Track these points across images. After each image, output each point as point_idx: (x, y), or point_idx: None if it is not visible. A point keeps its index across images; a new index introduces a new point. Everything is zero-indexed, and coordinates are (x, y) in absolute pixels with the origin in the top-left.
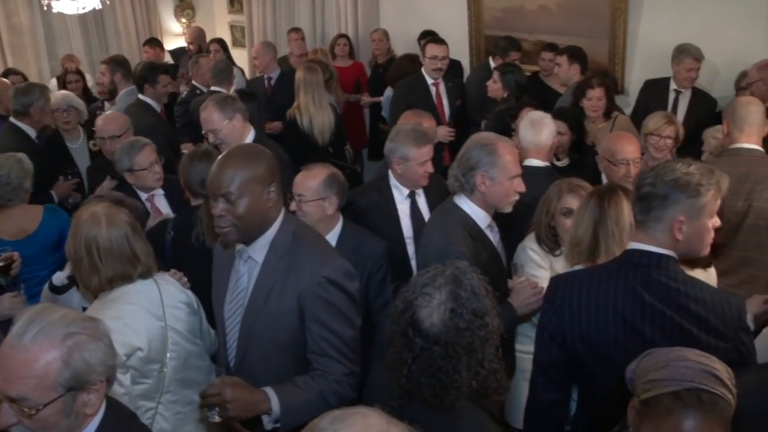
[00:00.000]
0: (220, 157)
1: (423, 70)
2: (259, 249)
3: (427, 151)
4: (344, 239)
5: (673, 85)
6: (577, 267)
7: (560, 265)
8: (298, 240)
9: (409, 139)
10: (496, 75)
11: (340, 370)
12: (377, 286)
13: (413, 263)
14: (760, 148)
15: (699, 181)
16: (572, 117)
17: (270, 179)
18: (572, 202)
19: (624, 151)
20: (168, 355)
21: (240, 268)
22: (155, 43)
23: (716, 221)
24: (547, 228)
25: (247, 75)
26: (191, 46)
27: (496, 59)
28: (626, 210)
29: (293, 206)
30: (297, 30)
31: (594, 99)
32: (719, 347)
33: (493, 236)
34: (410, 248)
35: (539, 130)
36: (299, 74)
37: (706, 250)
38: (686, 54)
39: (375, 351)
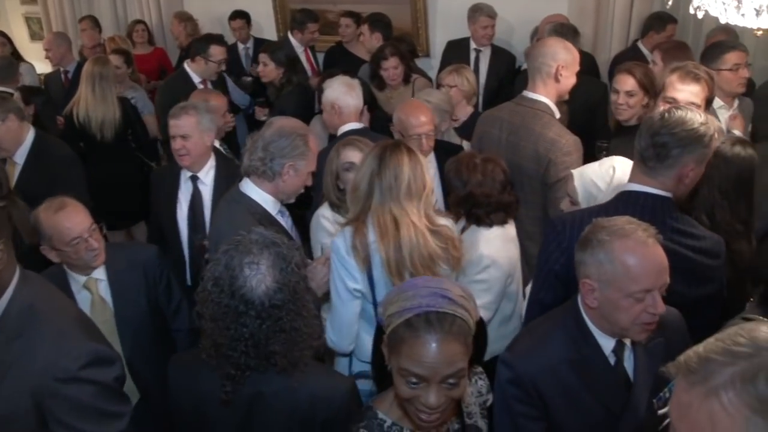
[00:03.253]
0: None
1: (188, 66)
2: None
3: None
4: (111, 261)
5: (473, 45)
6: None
7: (349, 239)
8: (36, 316)
9: None
10: (265, 57)
11: None
12: (165, 293)
13: (185, 250)
14: (543, 99)
15: (711, 131)
16: (362, 85)
17: None
18: (351, 155)
19: (416, 125)
20: None
21: None
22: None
23: None
24: (335, 189)
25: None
26: None
27: (295, 33)
28: (406, 167)
29: (83, 251)
30: (86, 19)
31: (390, 69)
32: (713, 264)
33: (285, 221)
34: (183, 233)
35: (357, 92)
36: (85, 66)
37: None
38: (480, 12)
39: None
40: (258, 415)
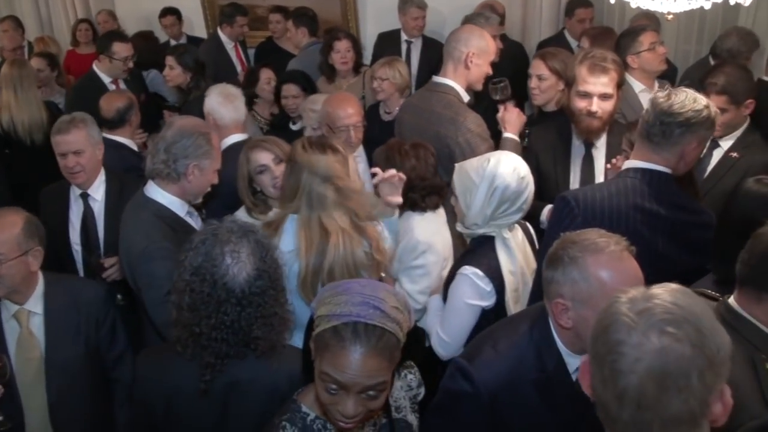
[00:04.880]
0: None
1: (96, 67)
2: None
3: None
4: (52, 295)
5: (404, 36)
6: (292, 216)
7: None
8: None
9: None
10: (171, 60)
11: None
12: (108, 336)
13: (81, 272)
14: (451, 82)
15: (713, 115)
16: (302, 78)
17: None
18: (262, 157)
19: (343, 117)
20: None
21: None
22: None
23: None
24: (249, 193)
25: None
26: None
27: (224, 28)
28: (332, 170)
29: None
30: (7, 19)
31: (342, 51)
32: (708, 237)
33: (195, 221)
34: (77, 254)
35: (237, 103)
36: (3, 69)
37: None
38: (410, 4)
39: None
40: (235, 402)
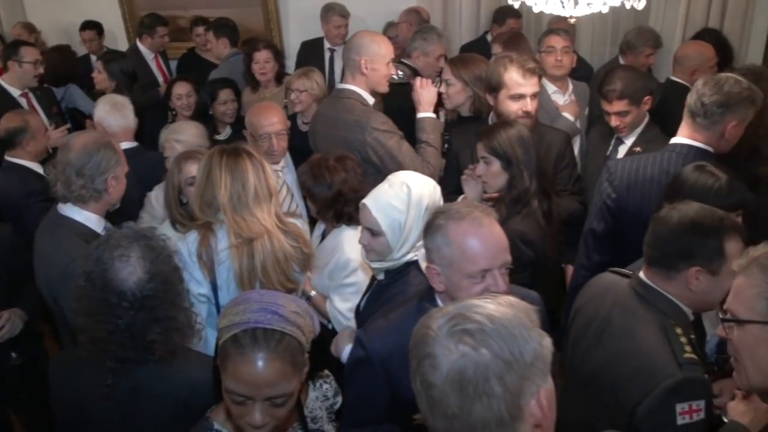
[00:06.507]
0: None
1: (4, 81)
2: None
3: None
4: None
5: (327, 44)
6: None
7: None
8: None
9: None
10: (99, 65)
11: None
12: None
13: None
14: (352, 87)
15: (755, 95)
16: (234, 84)
17: None
18: (194, 169)
19: (266, 124)
20: None
21: None
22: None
23: None
24: (177, 204)
25: None
26: None
27: (144, 39)
28: (251, 174)
29: None
30: None
31: (261, 61)
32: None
33: None
34: None
35: (125, 112)
36: None
37: None
38: (333, 12)
39: None
40: (140, 407)
